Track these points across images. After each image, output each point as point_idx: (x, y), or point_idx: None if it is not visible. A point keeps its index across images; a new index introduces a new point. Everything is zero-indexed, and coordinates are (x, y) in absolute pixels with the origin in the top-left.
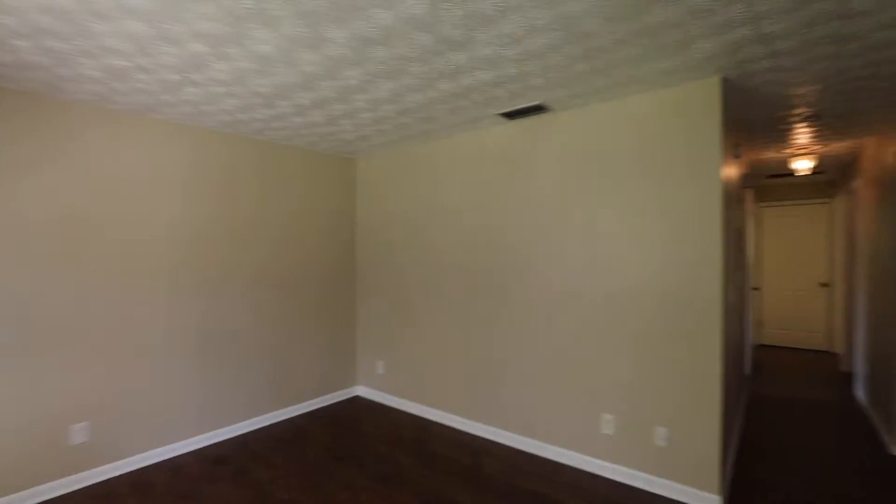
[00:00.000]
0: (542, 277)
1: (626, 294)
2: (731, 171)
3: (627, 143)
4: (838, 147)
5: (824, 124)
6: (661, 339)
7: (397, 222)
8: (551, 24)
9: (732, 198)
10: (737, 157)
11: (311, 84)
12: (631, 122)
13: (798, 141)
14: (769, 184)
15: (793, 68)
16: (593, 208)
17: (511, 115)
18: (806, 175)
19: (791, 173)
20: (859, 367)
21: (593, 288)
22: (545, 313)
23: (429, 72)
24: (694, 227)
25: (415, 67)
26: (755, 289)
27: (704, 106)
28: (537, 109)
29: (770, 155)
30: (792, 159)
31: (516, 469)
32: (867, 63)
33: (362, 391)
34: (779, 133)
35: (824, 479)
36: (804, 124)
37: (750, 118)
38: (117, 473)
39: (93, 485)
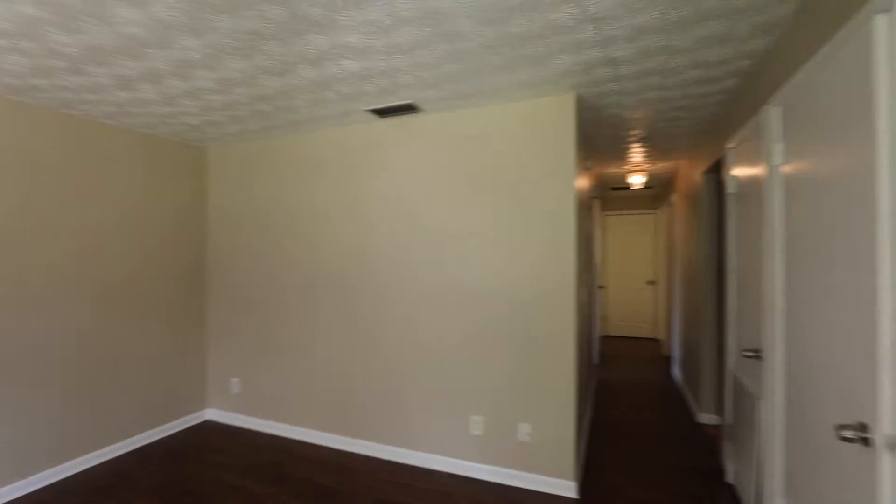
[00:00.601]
0: (410, 280)
1: (487, 296)
2: (582, 182)
3: (492, 150)
4: (662, 166)
5: (652, 146)
6: (522, 338)
7: (257, 221)
8: (420, 17)
9: (583, 206)
10: (587, 168)
11: (137, 51)
12: (495, 129)
13: (634, 159)
14: (612, 195)
15: (632, 93)
16: (460, 213)
17: (382, 113)
18: (639, 189)
19: (628, 187)
20: (676, 351)
21: (458, 291)
22: (413, 316)
23: (287, 54)
24: (550, 232)
25: (270, 46)
26: (601, 287)
27: (561, 119)
28: (409, 109)
29: (612, 169)
30: (629, 174)
31: (383, 482)
32: (684, 95)
33: (214, 414)
34: (619, 150)
35: (652, 448)
36: (638, 145)
37: (597, 134)
38: None
39: None
